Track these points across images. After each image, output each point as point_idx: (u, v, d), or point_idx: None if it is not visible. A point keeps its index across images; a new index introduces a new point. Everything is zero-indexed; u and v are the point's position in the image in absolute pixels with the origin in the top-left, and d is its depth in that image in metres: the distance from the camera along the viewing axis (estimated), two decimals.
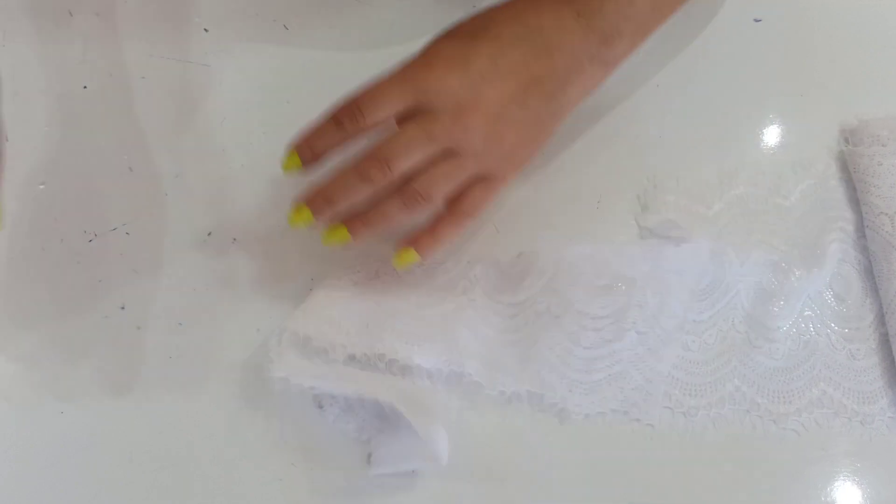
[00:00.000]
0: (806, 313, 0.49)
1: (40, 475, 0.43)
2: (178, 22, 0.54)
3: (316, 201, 0.43)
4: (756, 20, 0.56)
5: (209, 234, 0.49)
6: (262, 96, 0.53)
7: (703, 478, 0.45)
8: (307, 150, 0.43)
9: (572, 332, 0.47)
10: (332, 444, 0.44)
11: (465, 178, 0.43)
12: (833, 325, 0.49)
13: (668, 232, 0.50)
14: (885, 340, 0.48)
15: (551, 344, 0.46)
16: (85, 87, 0.52)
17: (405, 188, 0.42)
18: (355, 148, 0.43)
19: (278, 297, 0.48)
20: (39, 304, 0.47)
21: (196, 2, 0.55)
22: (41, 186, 0.49)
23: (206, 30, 0.54)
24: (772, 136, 0.54)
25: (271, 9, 0.55)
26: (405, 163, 0.42)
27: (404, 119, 0.42)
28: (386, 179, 0.42)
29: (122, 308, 0.47)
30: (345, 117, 0.42)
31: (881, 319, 0.49)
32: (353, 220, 0.43)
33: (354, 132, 0.42)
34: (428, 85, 0.42)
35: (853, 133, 0.53)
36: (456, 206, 0.44)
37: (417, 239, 0.44)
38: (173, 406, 0.45)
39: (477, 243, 0.50)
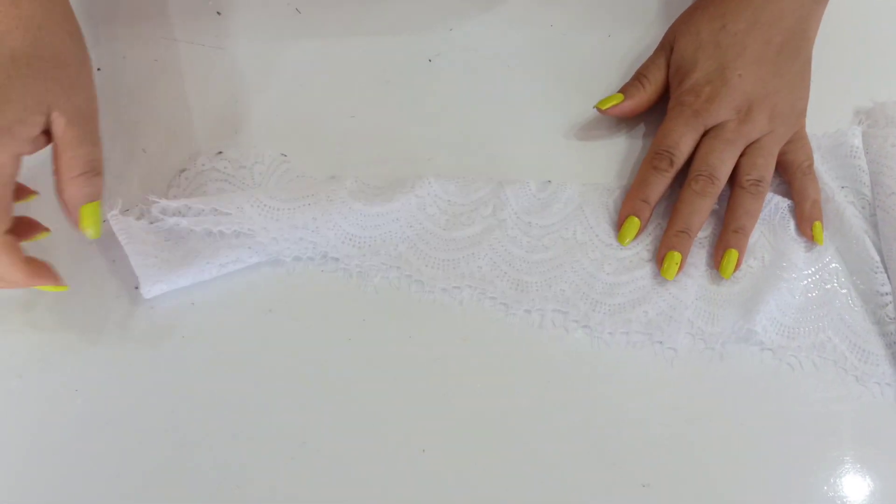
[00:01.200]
0: (833, 265, 0.51)
1: (55, 453, 0.43)
2: (192, 5, 0.54)
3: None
4: None
5: None
6: (275, 80, 0.53)
7: (700, 406, 0.47)
8: (644, 205, 0.50)
9: (596, 258, 0.50)
10: None
11: (775, 152, 0.51)
12: (856, 282, 0.51)
13: None
14: None
15: (576, 267, 0.49)
16: (98, 69, 0.52)
17: (744, 183, 0.49)
18: None
19: (286, 277, 0.48)
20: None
21: None
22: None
23: (218, 13, 0.54)
24: None
25: None
26: (725, 169, 0.49)
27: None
28: (715, 186, 0.49)
29: (136, 288, 0.47)
30: (662, 163, 0.49)
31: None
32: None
33: (673, 172, 0.50)
34: (709, 113, 0.49)
35: (868, 114, 0.54)
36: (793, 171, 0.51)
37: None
38: (187, 384, 0.45)
39: (507, 169, 0.52)
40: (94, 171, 0.42)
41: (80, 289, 0.47)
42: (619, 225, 0.50)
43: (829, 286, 0.50)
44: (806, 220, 0.51)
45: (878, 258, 0.50)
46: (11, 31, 0.40)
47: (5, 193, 0.39)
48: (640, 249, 0.50)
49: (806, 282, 0.50)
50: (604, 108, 0.52)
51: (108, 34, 0.53)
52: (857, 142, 0.53)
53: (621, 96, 0.52)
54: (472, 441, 0.45)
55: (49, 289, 0.43)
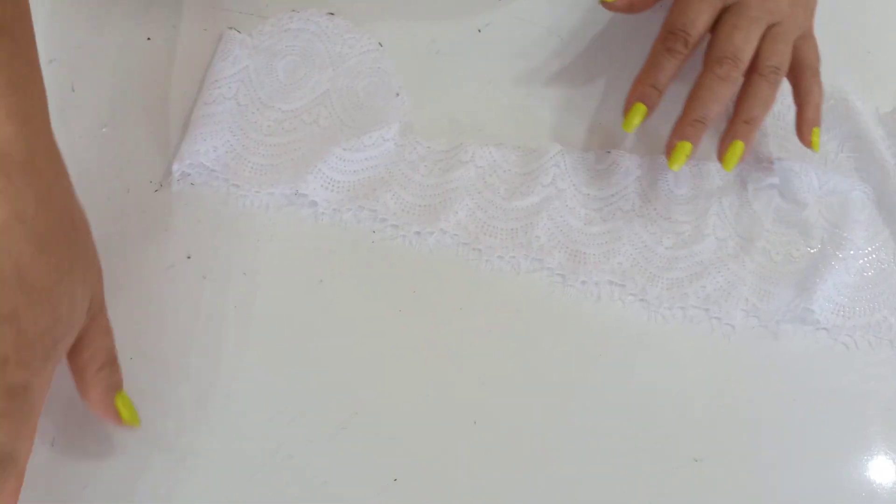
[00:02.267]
0: (890, 245, 0.50)
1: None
2: None
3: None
4: None
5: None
6: None
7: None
8: (653, 91, 0.46)
9: (654, 232, 0.49)
10: None
11: (794, 40, 0.47)
12: None
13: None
14: None
15: (634, 240, 0.48)
16: (149, 38, 0.52)
17: (764, 70, 0.46)
18: None
19: (337, 247, 0.48)
20: (107, 254, 0.46)
21: None
22: (104, 130, 0.49)
23: None
24: None
25: None
26: (750, 51, 0.45)
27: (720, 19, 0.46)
28: (739, 71, 0.45)
29: (189, 258, 0.47)
30: (676, 43, 0.46)
31: None
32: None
33: (687, 54, 0.46)
34: None
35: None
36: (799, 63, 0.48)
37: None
38: (238, 353, 0.45)
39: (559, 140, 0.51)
40: (114, 360, 0.40)
41: (133, 258, 0.47)
42: (625, 111, 0.47)
43: (885, 265, 0.49)
44: (808, 123, 0.48)
45: None
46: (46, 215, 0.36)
47: (40, 410, 0.35)
48: (699, 224, 0.49)
49: (862, 261, 0.49)
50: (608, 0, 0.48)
51: (158, 4, 0.53)
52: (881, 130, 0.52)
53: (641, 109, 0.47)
54: (524, 414, 0.45)
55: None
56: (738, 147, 0.46)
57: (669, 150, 0.46)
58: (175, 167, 0.48)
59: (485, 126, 0.51)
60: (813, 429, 0.45)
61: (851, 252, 0.49)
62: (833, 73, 0.51)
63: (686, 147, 0.45)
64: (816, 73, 0.48)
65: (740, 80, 0.46)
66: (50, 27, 0.52)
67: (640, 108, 0.46)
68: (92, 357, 0.39)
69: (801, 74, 0.48)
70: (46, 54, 0.50)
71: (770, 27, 0.46)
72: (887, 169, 0.50)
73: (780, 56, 0.46)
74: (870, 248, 0.50)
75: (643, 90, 0.46)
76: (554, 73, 0.54)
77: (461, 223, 0.48)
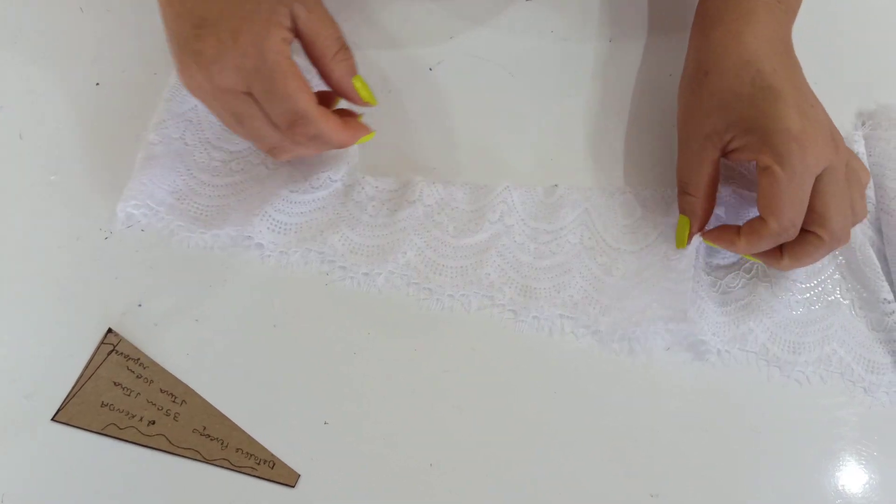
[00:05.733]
0: (835, 276, 0.50)
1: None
2: None
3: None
4: None
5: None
6: None
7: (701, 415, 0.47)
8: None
9: (603, 263, 0.49)
10: None
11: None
12: (860, 290, 0.50)
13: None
14: None
15: (584, 272, 0.49)
16: (98, 83, 0.52)
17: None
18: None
19: (294, 290, 0.48)
20: (59, 303, 0.46)
21: None
22: (52, 178, 0.49)
23: None
24: None
25: None
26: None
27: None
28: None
29: (140, 305, 0.47)
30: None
31: None
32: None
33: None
34: (816, 159, 0.42)
35: (871, 116, 0.53)
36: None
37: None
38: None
39: (511, 176, 0.52)
40: (345, 46, 0.44)
41: (85, 305, 0.46)
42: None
43: (831, 298, 0.50)
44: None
45: (880, 265, 0.50)
46: None
47: (295, 71, 0.41)
48: (641, 254, 0.49)
49: (808, 295, 0.50)
50: (685, 245, 0.48)
51: (109, 48, 0.52)
52: (861, 147, 0.53)
53: (686, 220, 0.47)
54: (481, 452, 0.45)
55: (365, 139, 0.46)
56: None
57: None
58: (119, 207, 0.47)
59: (435, 164, 0.52)
60: (770, 461, 0.46)
61: (792, 290, 0.49)
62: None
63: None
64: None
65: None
66: None
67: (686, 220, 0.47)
68: (325, 44, 0.43)
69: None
70: None
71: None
72: None
73: (863, 209, 0.46)
74: (815, 282, 0.50)
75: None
76: (504, 108, 0.54)
77: (410, 263, 0.48)
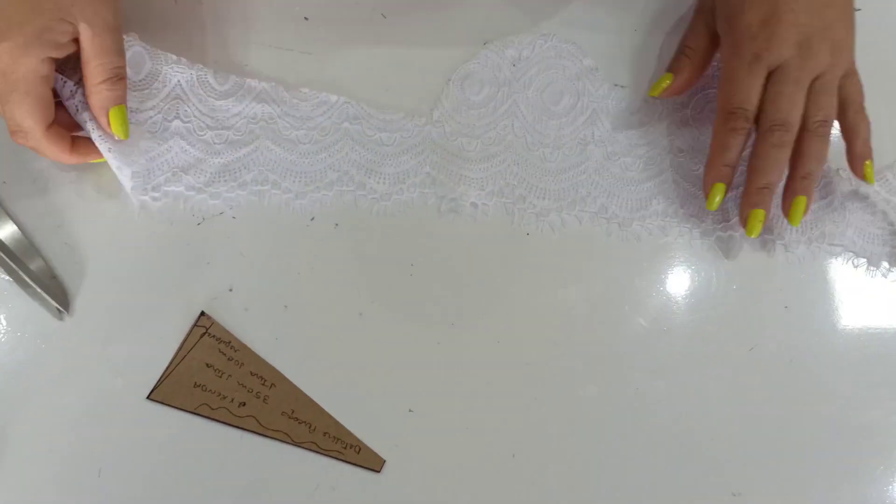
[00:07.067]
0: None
1: (157, 450, 0.45)
2: (280, 10, 0.55)
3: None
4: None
5: (312, 218, 0.50)
6: (363, 84, 0.53)
7: None
8: (727, 169, 0.49)
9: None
10: None
11: (836, 88, 0.49)
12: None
13: None
14: None
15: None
16: None
17: (812, 126, 0.48)
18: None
19: (380, 279, 0.49)
20: (152, 287, 0.48)
21: None
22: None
23: (306, 18, 0.55)
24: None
25: None
26: (797, 113, 0.48)
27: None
28: (791, 135, 0.48)
29: (231, 290, 0.48)
30: (738, 121, 0.48)
31: None
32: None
33: (750, 127, 0.48)
34: (770, 53, 0.47)
35: None
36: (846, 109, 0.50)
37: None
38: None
39: None
40: (118, 76, 0.46)
41: (177, 290, 0.48)
42: (705, 192, 0.50)
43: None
44: (858, 158, 0.49)
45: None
46: None
47: (42, 93, 0.43)
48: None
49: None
50: (656, 93, 0.52)
51: (198, 41, 0.54)
52: None
53: (670, 76, 0.52)
54: (561, 444, 0.46)
55: (97, 161, 0.47)
56: (802, 202, 0.48)
57: (744, 220, 0.49)
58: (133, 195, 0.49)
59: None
60: (860, 464, 0.46)
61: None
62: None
63: (759, 214, 0.48)
64: (861, 109, 0.50)
65: (792, 141, 0.48)
66: None
67: (721, 187, 0.49)
68: (95, 70, 0.45)
69: (845, 113, 0.50)
70: None
71: (813, 82, 0.48)
72: None
73: (826, 109, 0.48)
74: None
75: (719, 171, 0.49)
76: None
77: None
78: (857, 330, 0.50)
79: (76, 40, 0.44)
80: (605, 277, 0.50)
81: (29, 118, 0.43)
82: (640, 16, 0.57)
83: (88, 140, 0.47)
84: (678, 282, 0.50)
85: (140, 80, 0.50)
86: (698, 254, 0.51)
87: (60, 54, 0.44)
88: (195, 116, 0.50)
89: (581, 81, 0.54)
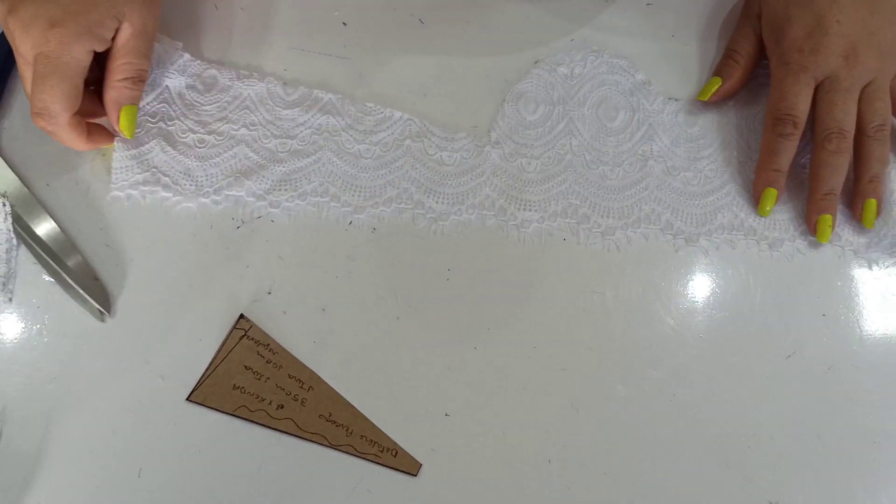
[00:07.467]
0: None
1: (197, 448, 0.45)
2: (318, 15, 0.55)
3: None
4: None
5: (350, 223, 0.50)
6: (400, 89, 0.54)
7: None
8: (778, 174, 0.50)
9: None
10: None
11: (888, 90, 0.50)
12: None
13: None
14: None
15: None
16: None
17: (870, 131, 0.50)
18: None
19: (416, 284, 0.49)
20: (192, 289, 0.48)
21: None
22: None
23: (344, 23, 0.55)
24: None
25: (408, 3, 0.56)
26: (851, 120, 0.49)
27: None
28: (848, 142, 0.49)
29: (269, 293, 0.48)
30: (786, 127, 0.50)
31: None
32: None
33: (798, 133, 0.50)
34: (817, 66, 0.49)
35: None
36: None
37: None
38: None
39: None
40: (140, 78, 0.47)
41: (217, 292, 0.48)
42: (756, 198, 0.51)
43: None
44: None
45: None
46: None
47: (78, 83, 0.44)
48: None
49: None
50: (706, 97, 0.53)
51: (237, 45, 0.54)
52: None
53: (719, 80, 0.53)
54: (597, 451, 0.46)
55: (107, 147, 0.50)
56: (872, 204, 0.50)
57: (813, 227, 0.50)
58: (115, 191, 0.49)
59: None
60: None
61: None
62: None
63: (828, 219, 0.50)
64: None
65: (850, 147, 0.50)
66: None
67: (772, 193, 0.50)
68: (121, 67, 0.46)
69: None
70: None
71: (864, 88, 0.50)
72: None
73: (882, 113, 0.50)
74: None
75: (769, 176, 0.50)
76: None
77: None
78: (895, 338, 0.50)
79: (114, 37, 0.46)
80: (643, 283, 0.50)
81: (59, 103, 0.44)
82: (674, 19, 0.57)
83: (102, 128, 0.49)
84: (715, 289, 0.50)
85: (211, 96, 0.51)
86: (734, 261, 0.51)
87: (102, 48, 0.45)
88: (261, 125, 0.51)
89: (635, 96, 0.54)
